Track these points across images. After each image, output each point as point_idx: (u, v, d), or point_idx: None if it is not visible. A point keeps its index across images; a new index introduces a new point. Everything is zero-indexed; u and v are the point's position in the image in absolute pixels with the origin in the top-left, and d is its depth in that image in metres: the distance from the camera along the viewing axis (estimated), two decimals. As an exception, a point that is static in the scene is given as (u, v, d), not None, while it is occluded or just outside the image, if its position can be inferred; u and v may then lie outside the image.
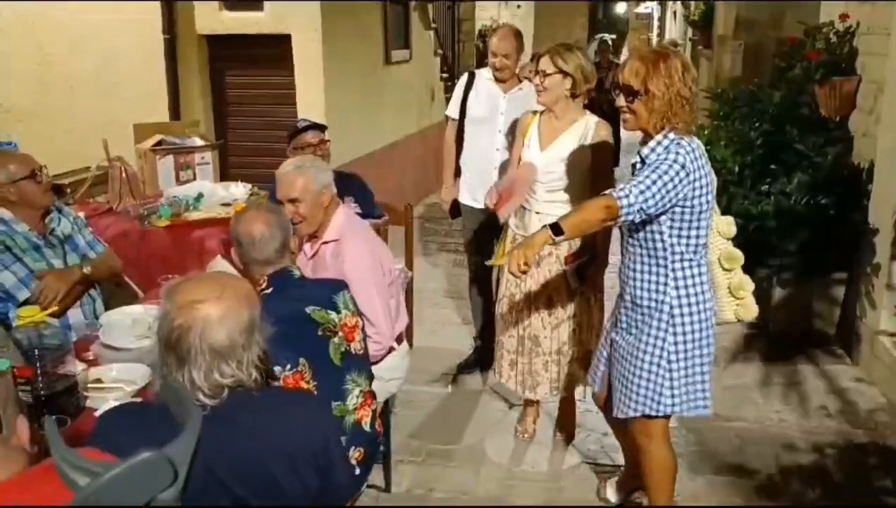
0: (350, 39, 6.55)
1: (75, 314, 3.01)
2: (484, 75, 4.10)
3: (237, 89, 6.42)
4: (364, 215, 3.48)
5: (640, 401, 2.64)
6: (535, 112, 3.37)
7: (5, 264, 2.87)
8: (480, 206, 3.79)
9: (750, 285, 2.74)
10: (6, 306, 2.92)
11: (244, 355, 1.61)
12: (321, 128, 3.91)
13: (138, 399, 2.25)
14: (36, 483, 1.13)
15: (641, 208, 2.35)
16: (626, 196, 2.35)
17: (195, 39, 6.19)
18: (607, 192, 2.41)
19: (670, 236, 2.48)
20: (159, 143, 4.64)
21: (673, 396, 2.60)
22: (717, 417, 3.83)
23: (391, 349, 2.92)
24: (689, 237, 2.48)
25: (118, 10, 5.76)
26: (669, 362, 2.57)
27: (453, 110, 4.19)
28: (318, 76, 6.08)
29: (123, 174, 4.21)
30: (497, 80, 4.00)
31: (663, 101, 2.38)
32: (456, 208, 4.32)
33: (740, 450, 3.58)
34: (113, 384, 2.36)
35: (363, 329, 2.48)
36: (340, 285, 2.47)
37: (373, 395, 2.49)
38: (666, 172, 2.36)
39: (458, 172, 4.23)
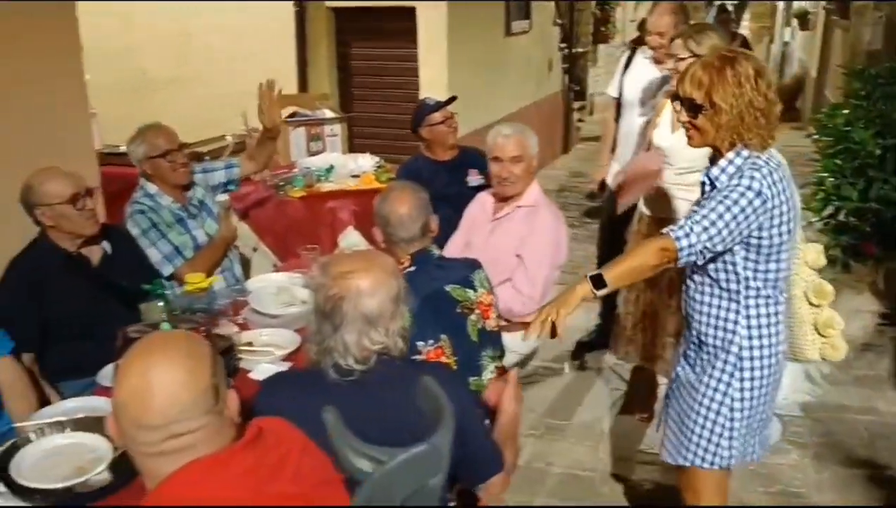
0: (473, 11, 6.58)
1: (217, 280, 3.19)
2: (642, 53, 4.06)
3: (362, 61, 6.57)
4: (487, 187, 3.53)
5: (692, 450, 2.29)
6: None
7: (152, 241, 3.05)
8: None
9: (839, 323, 2.42)
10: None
11: (391, 323, 1.74)
12: (450, 102, 3.97)
13: (287, 366, 2.40)
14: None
15: (705, 249, 2.02)
16: (687, 235, 2.01)
17: (323, 12, 6.37)
18: (665, 230, 2.08)
19: (745, 268, 2.12)
20: (292, 115, 4.83)
21: (731, 447, 2.25)
22: (846, 409, 3.71)
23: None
24: (766, 271, 2.13)
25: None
26: (732, 409, 2.21)
27: (613, 88, 4.18)
28: (442, 49, 6.15)
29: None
30: (655, 60, 3.94)
31: (732, 114, 2.03)
32: (604, 187, 4.32)
33: (869, 444, 3.48)
34: (263, 347, 2.53)
35: (496, 306, 2.56)
36: (476, 264, 2.56)
37: (504, 370, 2.57)
38: (736, 202, 2.00)
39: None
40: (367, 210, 3.00)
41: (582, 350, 4.34)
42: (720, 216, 2.00)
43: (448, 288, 2.39)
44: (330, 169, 4.39)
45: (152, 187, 3.15)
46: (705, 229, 2.00)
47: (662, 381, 3.55)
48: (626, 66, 4.15)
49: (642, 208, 3.45)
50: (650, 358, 3.44)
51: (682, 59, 3.05)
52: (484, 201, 3.18)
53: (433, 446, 0.84)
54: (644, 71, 3.98)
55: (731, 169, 2.09)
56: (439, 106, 3.81)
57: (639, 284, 3.42)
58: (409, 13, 6.16)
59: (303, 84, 6.27)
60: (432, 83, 6.01)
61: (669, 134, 3.23)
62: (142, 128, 3.18)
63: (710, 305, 2.22)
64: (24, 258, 2.63)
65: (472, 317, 2.43)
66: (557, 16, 9.13)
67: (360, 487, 0.74)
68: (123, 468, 1.88)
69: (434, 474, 0.78)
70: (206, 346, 1.28)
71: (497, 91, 7.44)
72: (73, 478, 1.83)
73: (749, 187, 2.01)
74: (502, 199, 3.12)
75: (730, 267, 2.14)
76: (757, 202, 2.01)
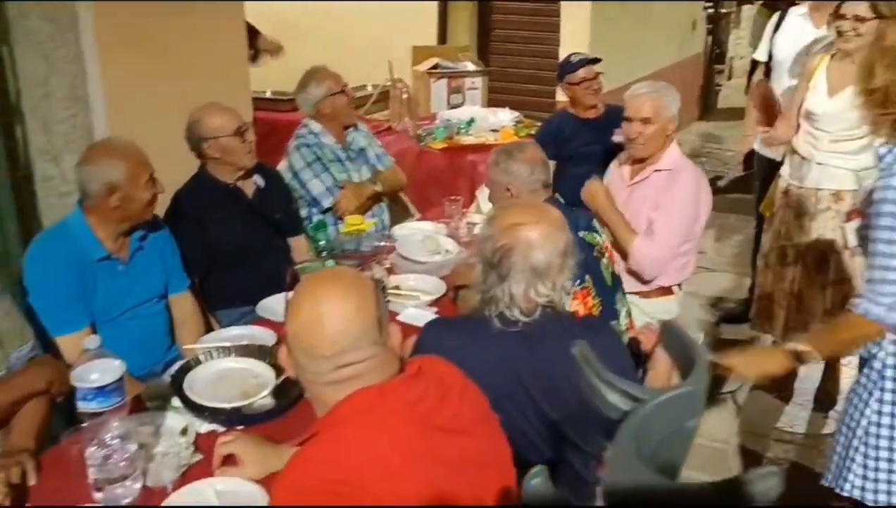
0: (618, -35, 6.36)
1: (375, 224, 3.28)
2: (796, 12, 3.82)
3: (502, 15, 6.50)
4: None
5: (833, 471, 2.02)
6: (827, 53, 3.12)
7: (315, 173, 3.21)
8: (778, 158, 3.59)
9: None
10: (310, 211, 3.27)
11: (558, 277, 1.74)
12: (594, 62, 3.88)
13: (432, 312, 2.45)
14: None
15: None
16: (891, 309, 1.71)
17: (464, -35, 6.33)
18: (858, 309, 1.77)
19: None
20: (434, 66, 4.85)
21: (865, 477, 1.92)
22: None
23: (670, 292, 2.92)
24: None
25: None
26: (867, 433, 1.91)
27: (761, 52, 3.97)
28: (585, 4, 5.99)
29: (404, 95, 4.46)
30: (814, 18, 3.71)
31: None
32: (749, 160, 4.13)
33: None
34: (410, 292, 2.59)
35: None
36: (588, 210, 2.63)
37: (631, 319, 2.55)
38: None
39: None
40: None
41: (725, 322, 4.21)
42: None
43: (581, 234, 2.37)
44: (471, 122, 4.40)
45: (316, 126, 3.30)
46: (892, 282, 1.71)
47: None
48: (777, 26, 3.91)
49: (786, 178, 3.27)
50: (792, 338, 3.29)
51: (866, 20, 2.82)
52: (622, 164, 3.11)
53: (692, 388, 0.84)
54: (799, 30, 3.74)
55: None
56: (580, 65, 3.73)
57: (787, 258, 3.27)
58: (554, -34, 6.03)
59: (442, 36, 6.27)
60: (573, 39, 5.88)
61: (825, 99, 3.04)
62: (311, 69, 3.31)
63: None
64: (186, 192, 2.78)
65: (604, 261, 2.45)
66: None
67: (625, 422, 0.75)
68: (285, 394, 2.00)
69: (692, 416, 0.78)
70: (370, 281, 1.33)
71: (638, 50, 7.20)
72: (239, 400, 1.95)
73: None
74: (639, 162, 3.03)
75: None
76: None
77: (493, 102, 5.39)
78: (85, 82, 3.09)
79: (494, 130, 4.40)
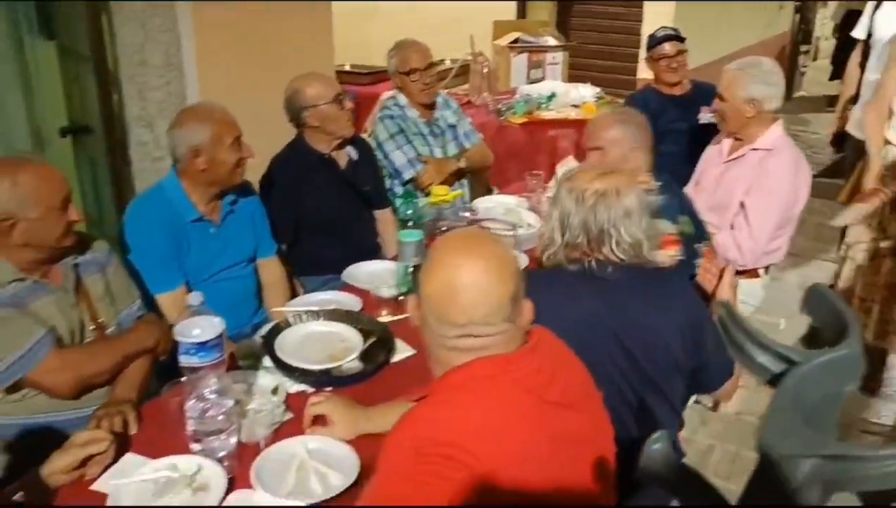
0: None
1: (460, 195, 3.31)
2: None
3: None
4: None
5: None
6: None
7: (398, 145, 3.23)
8: None
9: None
10: (392, 182, 3.29)
11: (641, 229, 1.76)
12: (680, 39, 3.79)
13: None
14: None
15: None
16: None
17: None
18: None
19: None
20: (515, 41, 4.81)
21: None
22: None
23: (755, 274, 2.85)
24: None
25: None
26: None
27: (860, 30, 3.81)
28: (670, -22, 5.84)
29: (485, 69, 4.44)
30: None
31: None
32: (839, 141, 3.98)
33: None
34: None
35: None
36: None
37: None
38: None
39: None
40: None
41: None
42: None
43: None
44: (551, 97, 4.35)
45: (402, 99, 3.32)
46: None
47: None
48: (879, 1, 3.73)
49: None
50: (882, 334, 3.16)
51: None
52: (723, 140, 3.03)
53: (851, 350, 0.82)
54: None
55: None
56: (665, 39, 3.66)
57: (882, 250, 3.14)
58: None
59: (521, 11, 6.20)
60: (657, 15, 5.75)
61: None
62: (399, 42, 3.33)
63: None
64: (282, 159, 2.83)
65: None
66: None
67: (781, 384, 0.73)
68: (372, 359, 2.03)
69: (850, 380, 0.76)
70: (513, 253, 1.30)
71: (723, 28, 6.99)
72: (328, 363, 1.98)
73: None
74: (738, 140, 2.95)
75: None
76: None
77: (573, 77, 5.31)
78: (179, 51, 3.17)
79: (575, 106, 4.34)
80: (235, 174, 2.39)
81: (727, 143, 2.99)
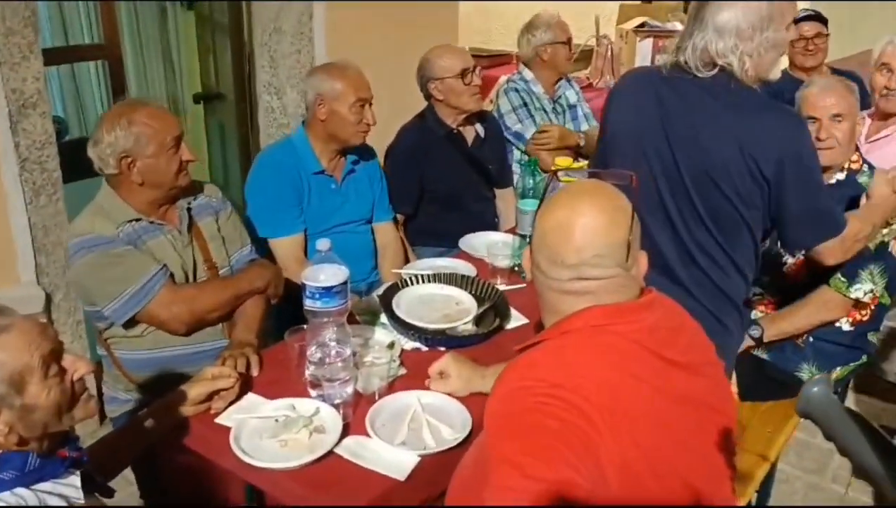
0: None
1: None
2: None
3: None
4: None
5: None
6: None
7: (520, 118, 3.22)
8: None
9: None
10: (511, 148, 3.27)
11: (742, 43, 1.71)
12: (822, 20, 3.58)
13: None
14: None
15: None
16: None
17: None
18: None
19: None
20: (641, 25, 4.69)
21: None
22: None
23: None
24: None
25: None
26: None
27: None
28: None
29: (609, 52, 4.36)
30: None
31: None
32: None
33: None
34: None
35: None
36: None
37: None
38: None
39: None
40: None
41: None
42: None
43: None
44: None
45: (529, 74, 3.33)
46: None
47: None
48: None
49: None
50: None
51: None
52: (863, 121, 2.85)
53: None
54: None
55: None
56: (802, 19, 3.46)
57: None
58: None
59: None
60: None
61: None
62: (542, 14, 3.34)
63: None
64: (410, 129, 2.86)
65: None
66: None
67: None
68: (486, 323, 2.03)
69: None
70: (629, 204, 1.29)
71: (859, 22, 6.59)
72: (443, 323, 1.99)
73: None
74: (885, 117, 2.77)
75: None
76: None
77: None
78: (311, 20, 3.25)
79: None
80: (355, 135, 2.44)
81: (868, 123, 2.81)
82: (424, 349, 1.95)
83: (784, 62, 3.75)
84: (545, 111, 3.29)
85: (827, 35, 3.53)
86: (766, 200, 1.73)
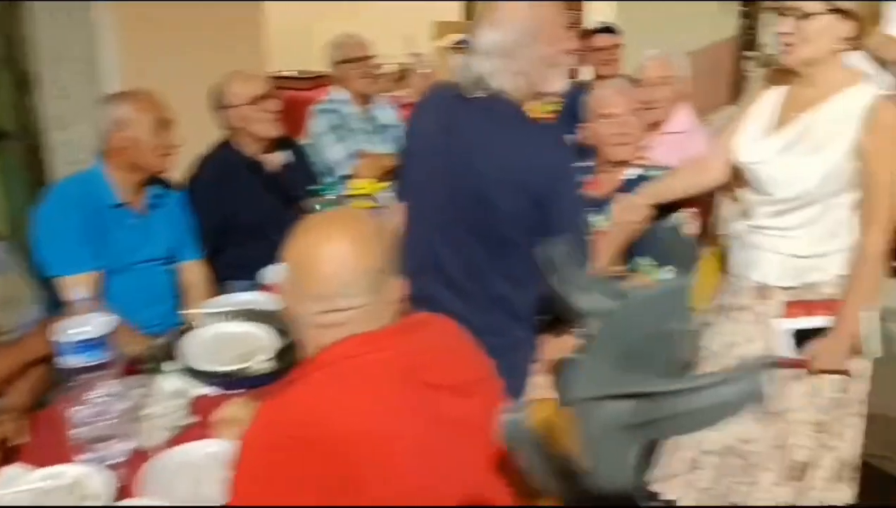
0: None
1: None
2: None
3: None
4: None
5: None
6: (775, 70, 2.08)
7: (338, 138, 3.21)
8: None
9: None
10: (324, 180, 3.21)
11: (514, 62, 1.71)
12: (613, 31, 3.78)
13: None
14: None
15: None
16: None
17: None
18: None
19: None
20: (459, 42, 4.77)
21: None
22: None
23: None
24: None
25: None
26: None
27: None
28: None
29: (426, 70, 4.39)
30: None
31: None
32: None
33: None
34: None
35: None
36: None
37: None
38: None
39: None
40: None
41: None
42: None
43: None
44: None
45: (339, 95, 3.28)
46: None
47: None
48: None
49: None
50: None
51: (811, 14, 1.85)
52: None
53: (686, 283, 0.76)
54: None
55: None
56: (595, 32, 3.66)
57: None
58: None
59: (468, 11, 6.15)
60: (598, 13, 5.75)
61: (763, 139, 2.02)
62: (337, 35, 3.33)
63: None
64: (210, 160, 2.73)
65: None
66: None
67: (602, 324, 0.67)
68: (288, 358, 1.94)
69: (676, 318, 0.69)
70: (380, 231, 1.25)
71: (667, 30, 7.03)
72: (236, 364, 1.89)
73: None
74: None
75: None
76: None
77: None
78: (99, 49, 3.06)
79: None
80: (159, 162, 2.31)
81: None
82: (217, 393, 1.84)
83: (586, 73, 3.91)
84: (361, 131, 3.26)
85: (620, 45, 3.71)
86: (536, 217, 1.76)
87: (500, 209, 1.75)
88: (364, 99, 3.33)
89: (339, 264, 1.20)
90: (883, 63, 2.86)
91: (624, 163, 2.39)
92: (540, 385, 1.86)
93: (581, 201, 1.89)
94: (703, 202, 2.45)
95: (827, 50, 1.87)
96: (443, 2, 5.92)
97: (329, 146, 3.17)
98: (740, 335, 2.10)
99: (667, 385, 0.68)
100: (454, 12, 5.99)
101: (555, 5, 1.77)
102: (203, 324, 2.06)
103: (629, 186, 2.34)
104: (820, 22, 1.83)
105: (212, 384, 1.85)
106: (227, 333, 2.04)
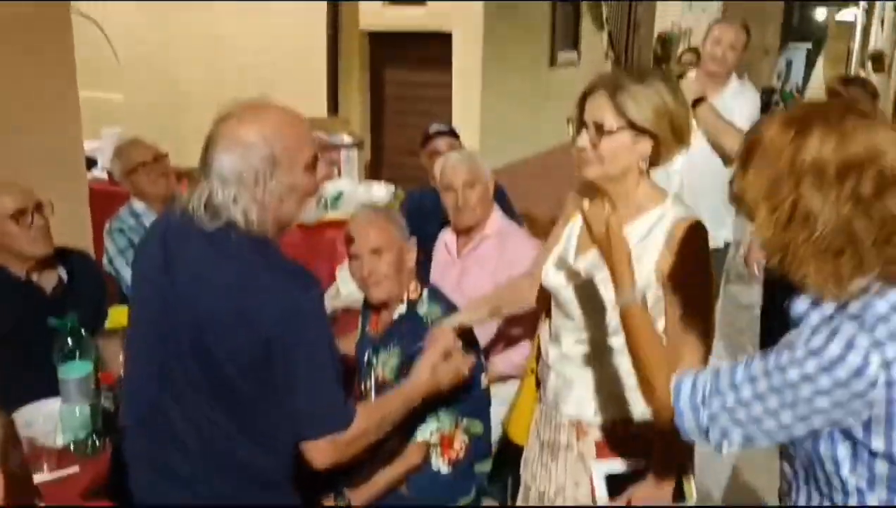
0: (513, 38, 6.30)
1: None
2: None
3: (396, 87, 6.36)
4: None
5: None
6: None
7: (127, 261, 2.85)
8: None
9: None
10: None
11: (245, 190, 1.48)
12: (453, 134, 3.67)
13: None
14: None
15: (725, 438, 1.21)
16: (698, 407, 1.23)
17: (357, 36, 6.17)
18: (677, 377, 1.30)
19: (851, 468, 1.19)
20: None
21: None
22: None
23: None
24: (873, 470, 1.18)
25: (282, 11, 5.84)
26: None
27: None
28: (476, 77, 5.90)
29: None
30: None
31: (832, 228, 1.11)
32: None
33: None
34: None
35: None
36: None
37: None
38: (809, 382, 1.11)
39: None
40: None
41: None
42: (773, 393, 1.16)
43: None
44: (338, 197, 4.12)
45: (139, 206, 2.97)
46: (732, 408, 1.21)
47: None
48: None
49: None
50: None
51: (608, 131, 1.70)
52: (447, 240, 2.87)
53: None
54: None
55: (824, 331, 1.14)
56: (437, 135, 3.53)
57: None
58: (446, 39, 5.93)
59: (334, 107, 6.06)
60: (466, 111, 5.76)
61: (569, 262, 1.85)
62: (119, 144, 3.05)
63: None
64: None
65: None
66: (610, 49, 8.81)
67: None
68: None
69: None
70: None
71: (539, 124, 7.12)
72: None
73: (839, 363, 1.11)
74: (461, 234, 2.81)
75: (828, 463, 1.21)
76: (847, 390, 1.11)
77: (387, 175, 5.18)
78: None
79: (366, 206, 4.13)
80: None
81: (452, 241, 2.85)
82: None
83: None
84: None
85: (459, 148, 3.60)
86: (270, 370, 1.50)
87: (229, 358, 1.48)
88: (165, 201, 3.00)
89: None
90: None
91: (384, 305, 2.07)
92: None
93: (328, 360, 1.54)
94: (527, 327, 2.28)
95: (624, 168, 1.72)
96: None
97: (121, 270, 2.87)
98: (569, 478, 1.87)
99: None
100: (322, 109, 5.88)
101: (300, 129, 1.56)
102: None
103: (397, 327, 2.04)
104: (616, 140, 1.68)
105: None
106: None
